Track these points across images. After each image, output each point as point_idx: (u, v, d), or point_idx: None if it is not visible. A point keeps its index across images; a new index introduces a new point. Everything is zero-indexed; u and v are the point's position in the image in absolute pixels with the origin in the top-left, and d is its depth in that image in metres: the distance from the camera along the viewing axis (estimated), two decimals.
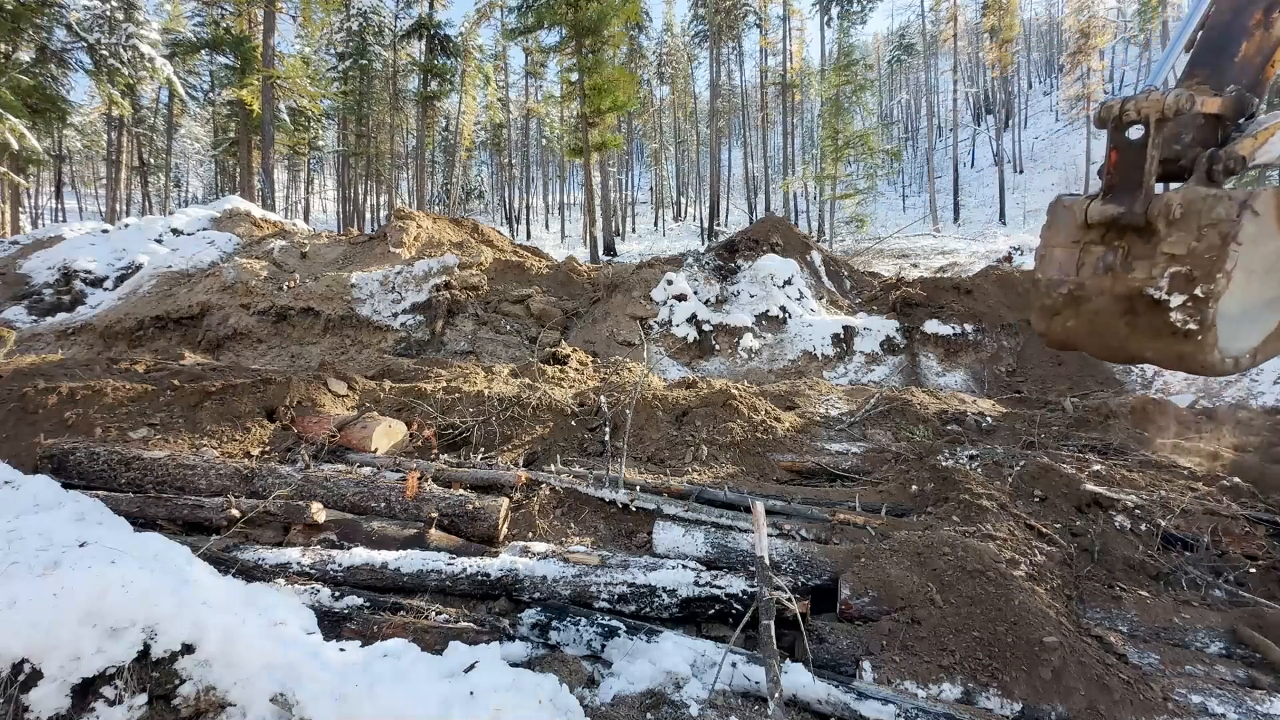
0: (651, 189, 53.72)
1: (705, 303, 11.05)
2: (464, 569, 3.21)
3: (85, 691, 1.75)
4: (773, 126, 49.12)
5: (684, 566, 3.18)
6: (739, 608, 2.90)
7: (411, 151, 41.65)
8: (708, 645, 2.74)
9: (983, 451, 4.56)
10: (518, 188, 50.36)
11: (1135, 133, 2.43)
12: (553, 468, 4.41)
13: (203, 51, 24.98)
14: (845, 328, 10.38)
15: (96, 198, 49.75)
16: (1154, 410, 5.68)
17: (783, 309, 10.77)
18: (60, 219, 38.09)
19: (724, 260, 12.02)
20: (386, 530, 3.65)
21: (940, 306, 10.62)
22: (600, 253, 24.54)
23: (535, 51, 35.26)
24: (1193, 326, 2.29)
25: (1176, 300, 2.33)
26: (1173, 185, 2.53)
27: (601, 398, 5.38)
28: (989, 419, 5.69)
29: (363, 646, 2.54)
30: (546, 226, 51.42)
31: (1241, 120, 2.48)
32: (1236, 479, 4.03)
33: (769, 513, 3.72)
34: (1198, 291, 2.27)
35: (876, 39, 74.51)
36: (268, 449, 5.03)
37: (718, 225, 34.92)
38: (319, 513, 3.67)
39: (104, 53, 18.05)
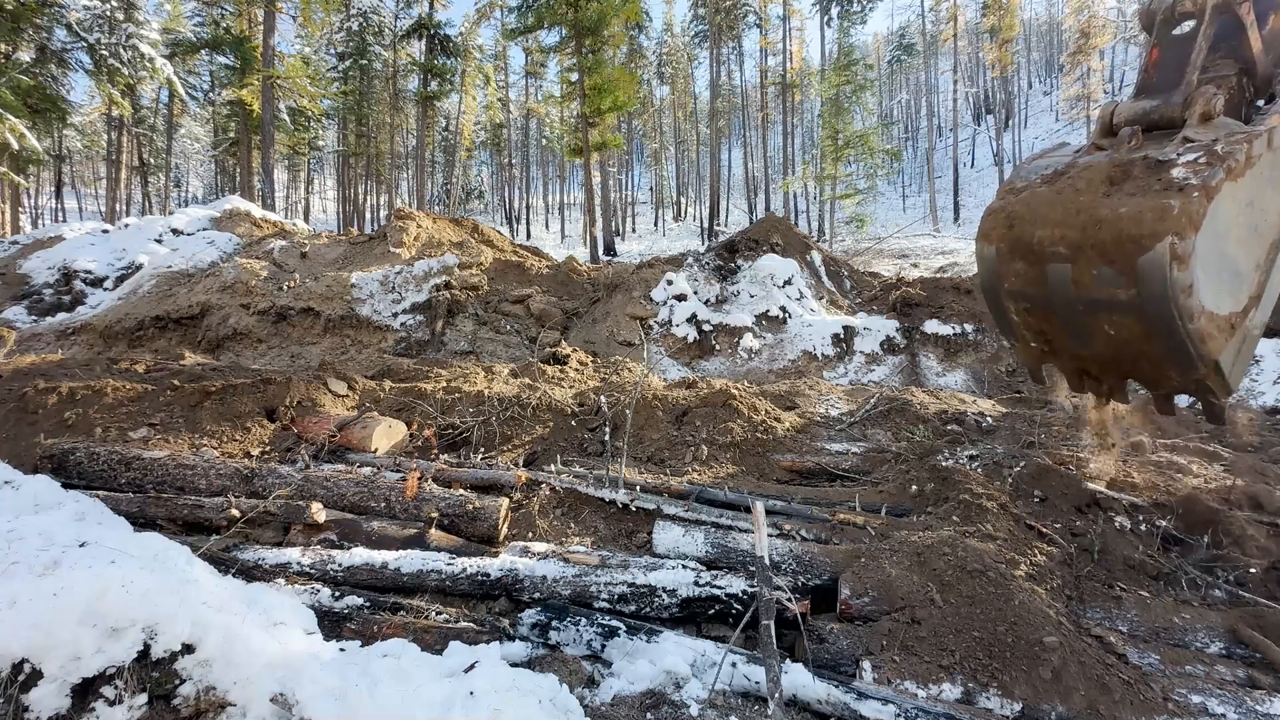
0: (651, 189, 53.71)
1: (705, 303, 11.05)
2: (464, 569, 3.21)
3: (85, 691, 1.75)
4: (773, 126, 49.12)
5: (684, 566, 3.18)
6: (739, 608, 2.90)
7: (411, 151, 41.66)
8: (708, 645, 2.74)
9: (983, 451, 4.56)
10: (518, 188, 50.35)
11: (1184, 27, 2.47)
12: (553, 468, 4.41)
13: (203, 51, 24.95)
14: (845, 328, 10.38)
15: (96, 198, 49.75)
16: (1154, 410, 5.67)
17: (783, 309, 10.76)
18: (60, 219, 38.09)
19: (724, 260, 12.02)
20: (386, 530, 3.65)
21: (940, 306, 10.62)
22: (600, 253, 24.53)
23: (535, 51, 35.25)
24: (1194, 183, 2.30)
25: (1186, 159, 2.34)
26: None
27: (601, 398, 5.38)
28: (989, 419, 5.69)
29: (363, 646, 2.54)
30: (546, 226, 51.40)
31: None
32: (1237, 480, 4.03)
33: (769, 513, 3.72)
34: (1206, 166, 2.28)
35: (876, 39, 74.50)
36: (268, 449, 5.03)
37: (718, 225, 34.91)
38: (319, 513, 3.67)
39: (104, 53, 18.04)
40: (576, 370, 7.91)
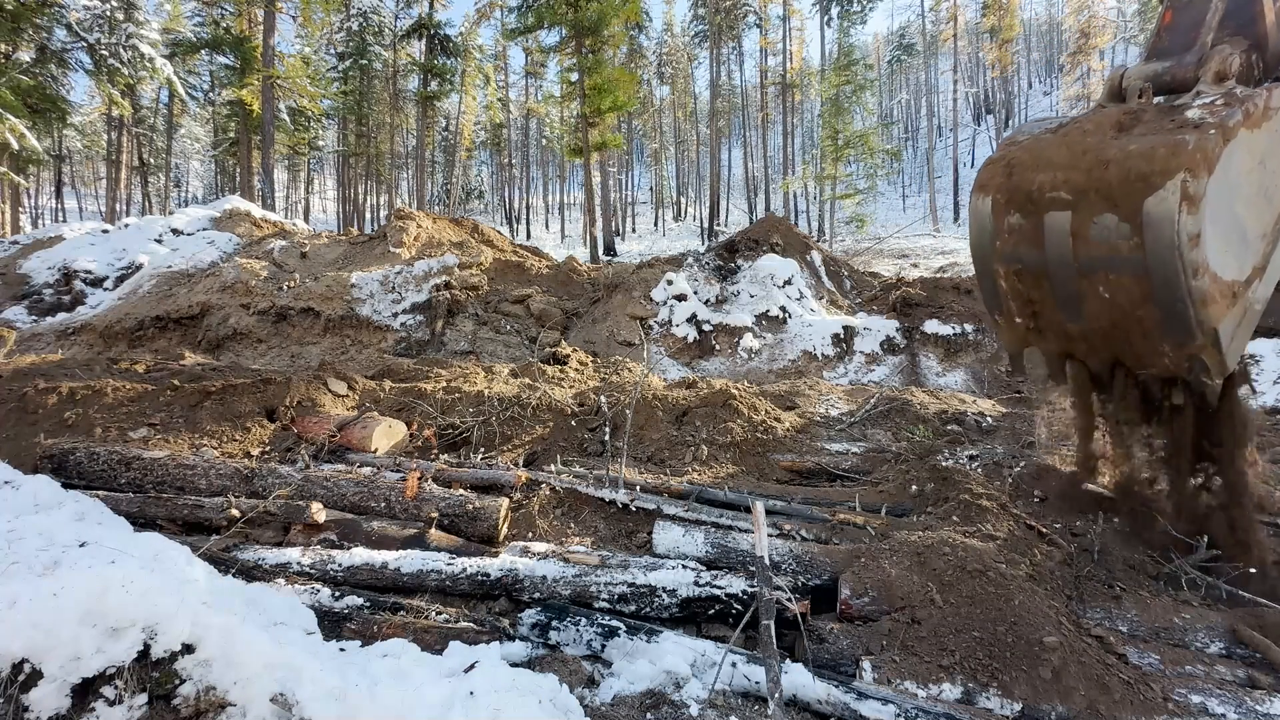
0: (651, 189, 53.71)
1: (705, 303, 11.05)
2: (464, 569, 3.21)
3: (85, 691, 1.75)
4: (773, 126, 49.11)
5: (684, 566, 3.18)
6: (739, 608, 2.90)
7: (411, 151, 41.65)
8: (708, 645, 2.73)
9: (983, 451, 4.56)
10: (518, 188, 50.36)
11: None
12: (553, 468, 4.41)
13: (203, 51, 24.96)
14: (845, 328, 10.38)
15: (96, 198, 49.76)
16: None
17: (783, 309, 10.77)
18: (60, 219, 38.10)
19: (724, 260, 12.02)
20: (386, 530, 3.65)
21: (940, 306, 10.62)
22: (600, 253, 24.53)
23: (535, 51, 35.25)
24: (1211, 121, 2.22)
25: (1203, 102, 2.27)
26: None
27: (601, 398, 5.38)
28: (989, 419, 5.69)
29: (363, 646, 2.54)
30: (546, 226, 51.40)
31: None
32: None
33: (769, 513, 3.72)
34: (1224, 108, 2.22)
35: (876, 39, 74.52)
36: (268, 449, 5.03)
37: (718, 225, 34.91)
38: (319, 513, 3.67)
39: (104, 53, 18.04)
40: (576, 370, 7.91)
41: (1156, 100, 2.50)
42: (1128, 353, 2.71)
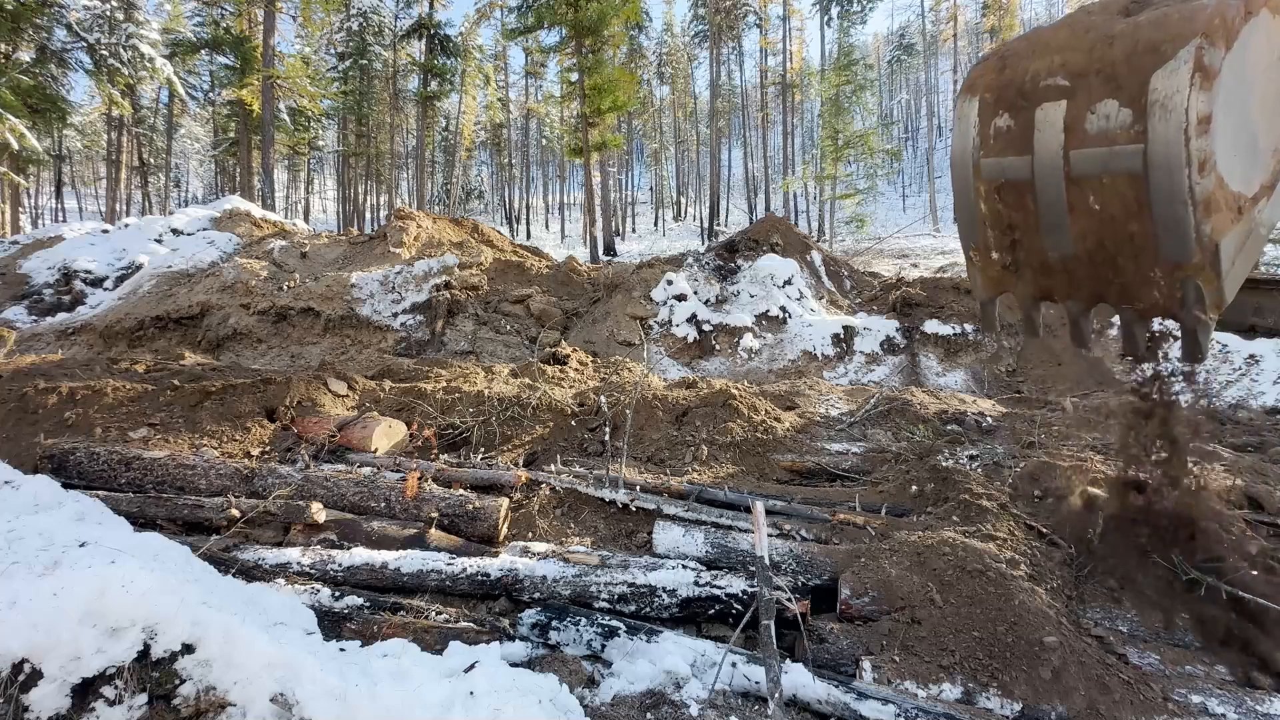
0: (651, 189, 53.72)
1: (705, 303, 11.05)
2: (464, 569, 3.21)
3: (85, 691, 1.75)
4: (773, 126, 49.11)
5: (684, 566, 3.18)
6: (739, 608, 2.90)
7: (411, 151, 41.65)
8: (708, 645, 2.74)
9: (983, 451, 4.55)
10: (518, 188, 50.35)
11: None
12: (553, 468, 4.41)
13: (203, 51, 24.97)
14: (845, 328, 10.38)
15: (96, 198, 49.74)
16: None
17: (783, 309, 10.77)
18: (60, 219, 38.08)
19: (724, 260, 12.02)
20: (386, 530, 3.65)
21: (940, 306, 10.63)
22: (600, 253, 24.53)
23: (535, 51, 35.23)
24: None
25: None
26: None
27: (601, 398, 5.37)
28: (989, 419, 5.69)
29: (363, 646, 2.54)
30: (546, 226, 51.40)
31: None
32: (1236, 480, 4.02)
33: (769, 513, 3.72)
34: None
35: (876, 39, 74.46)
36: (268, 449, 5.03)
37: (718, 225, 34.92)
38: (319, 513, 3.67)
39: (104, 53, 18.04)
40: (576, 370, 7.91)
41: None
42: (1113, 286, 2.44)
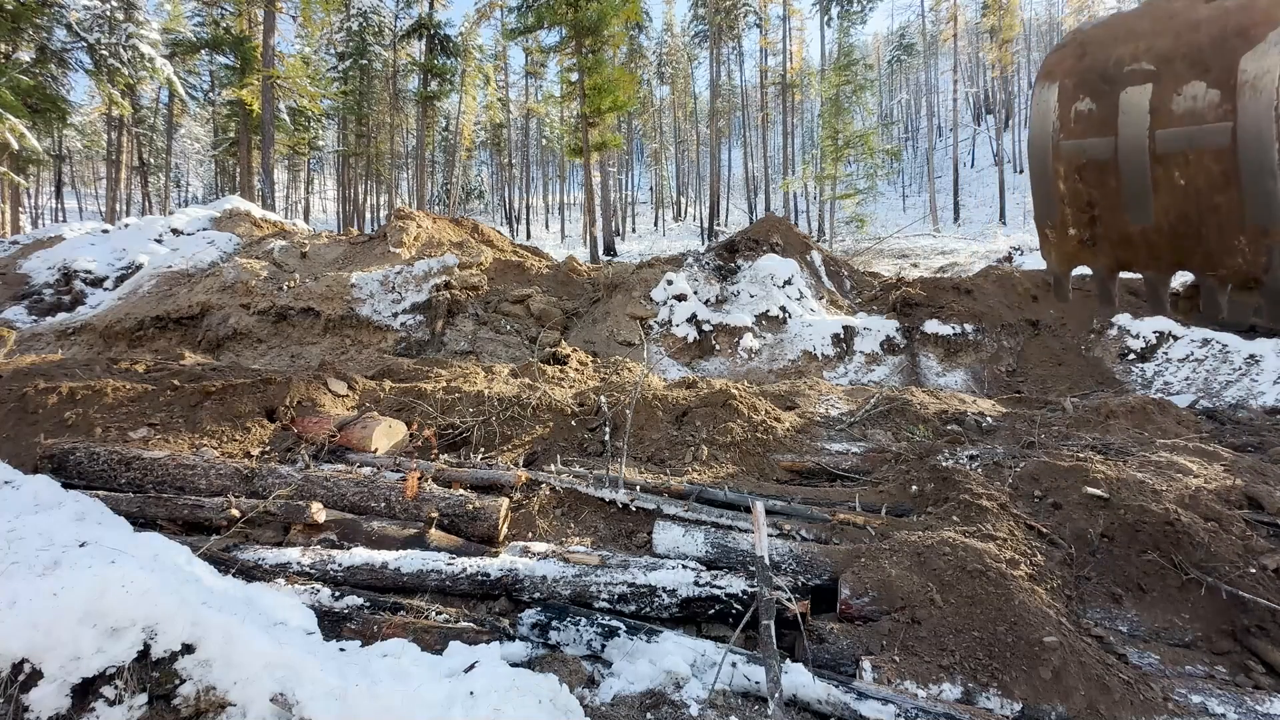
0: (651, 189, 53.71)
1: (705, 303, 11.05)
2: (464, 569, 3.21)
3: (85, 691, 1.75)
4: (773, 126, 49.13)
5: (684, 566, 3.18)
6: (739, 608, 2.90)
7: (411, 151, 41.67)
8: (708, 645, 2.74)
9: (983, 451, 4.55)
10: (518, 188, 50.36)
11: None
12: (553, 468, 4.41)
13: (203, 51, 24.97)
14: (845, 328, 10.38)
15: (96, 198, 49.76)
16: (1154, 410, 5.67)
17: (783, 309, 10.77)
18: (60, 219, 38.11)
19: (724, 260, 12.02)
20: (386, 530, 3.65)
21: (940, 306, 10.62)
22: (600, 253, 24.53)
23: (535, 51, 35.24)
24: None
25: None
26: None
27: (601, 398, 5.37)
28: (989, 419, 5.69)
29: (363, 646, 2.54)
30: (546, 226, 51.40)
31: None
32: (1236, 480, 4.02)
33: (769, 513, 3.72)
34: None
35: (876, 39, 74.49)
36: (268, 449, 5.03)
37: (718, 225, 34.92)
38: (319, 513, 3.67)
39: (104, 53, 18.04)
40: (576, 370, 7.91)
41: None
42: (1196, 254, 2.59)
